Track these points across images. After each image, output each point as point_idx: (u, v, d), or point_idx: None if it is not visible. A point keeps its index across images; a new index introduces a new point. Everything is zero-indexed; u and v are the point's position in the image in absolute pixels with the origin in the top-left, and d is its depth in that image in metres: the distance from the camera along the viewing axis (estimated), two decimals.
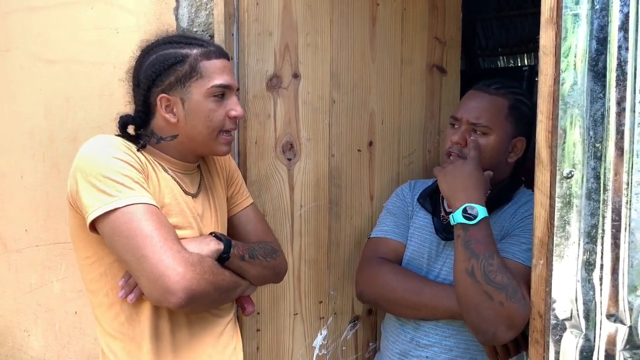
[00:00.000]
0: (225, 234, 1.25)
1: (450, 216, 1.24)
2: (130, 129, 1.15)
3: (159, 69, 1.09)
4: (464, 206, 1.20)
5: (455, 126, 1.36)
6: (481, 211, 1.20)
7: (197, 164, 1.23)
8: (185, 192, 1.16)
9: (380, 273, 1.36)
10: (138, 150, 1.09)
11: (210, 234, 1.15)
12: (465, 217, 1.20)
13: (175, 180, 1.15)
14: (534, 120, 1.35)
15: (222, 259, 1.11)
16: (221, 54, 1.14)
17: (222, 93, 1.12)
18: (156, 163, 1.13)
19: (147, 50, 1.14)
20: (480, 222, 1.19)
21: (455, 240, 1.22)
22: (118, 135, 1.13)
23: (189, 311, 1.11)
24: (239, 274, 1.16)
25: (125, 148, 1.06)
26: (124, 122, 1.14)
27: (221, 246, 1.11)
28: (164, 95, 1.10)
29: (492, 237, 1.20)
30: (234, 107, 1.14)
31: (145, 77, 1.11)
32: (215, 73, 1.10)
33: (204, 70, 1.09)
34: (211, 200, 1.23)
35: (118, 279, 1.09)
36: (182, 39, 1.16)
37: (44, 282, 1.73)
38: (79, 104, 1.59)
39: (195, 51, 1.10)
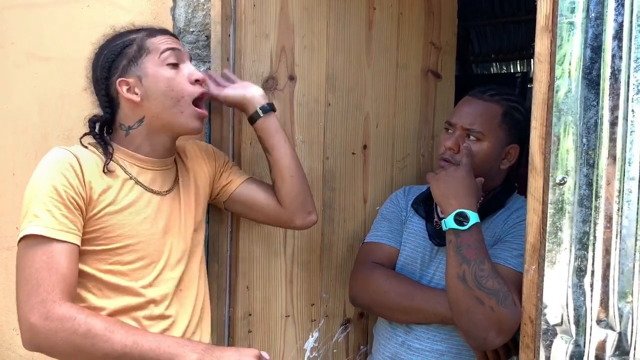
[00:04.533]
0: (190, 235, 1.23)
1: (442, 222, 1.25)
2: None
3: (112, 57, 1.13)
4: (455, 212, 1.21)
5: (450, 131, 1.37)
6: (473, 217, 1.21)
7: (172, 158, 1.22)
8: (152, 192, 1.16)
9: (374, 278, 1.37)
10: (107, 164, 1.10)
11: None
12: (456, 223, 1.20)
13: (139, 183, 1.14)
14: (528, 127, 1.37)
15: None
16: (165, 32, 1.18)
17: (175, 60, 1.13)
18: (119, 168, 1.13)
19: (100, 50, 1.18)
20: (471, 228, 1.20)
21: (447, 245, 1.22)
22: (85, 138, 1.15)
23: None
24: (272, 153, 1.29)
25: (70, 167, 1.05)
26: (93, 123, 1.15)
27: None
28: (122, 78, 1.12)
29: (484, 242, 1.21)
30: (192, 71, 1.15)
31: (101, 69, 1.14)
32: (161, 44, 1.14)
33: (151, 45, 1.13)
34: (182, 199, 1.22)
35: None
36: (127, 28, 1.20)
37: None
38: (73, 101, 1.58)
39: (140, 34, 1.15)
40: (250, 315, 1.48)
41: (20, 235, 1.01)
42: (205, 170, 1.31)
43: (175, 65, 1.13)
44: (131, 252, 1.11)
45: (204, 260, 1.29)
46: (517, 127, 1.36)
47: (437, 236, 1.37)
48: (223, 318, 1.45)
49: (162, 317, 1.15)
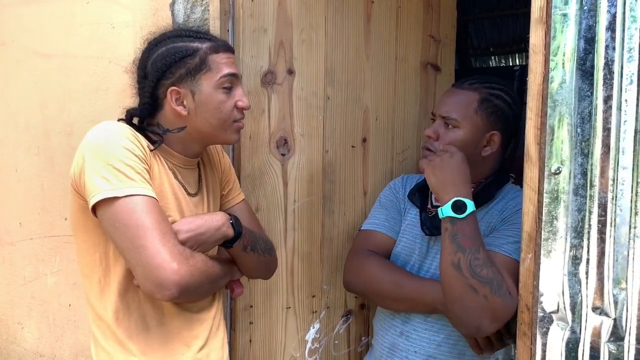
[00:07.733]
0: None
1: (439, 210, 1.25)
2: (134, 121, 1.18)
3: (170, 62, 1.11)
4: (453, 200, 1.22)
5: (432, 121, 1.41)
6: (470, 205, 1.22)
7: (197, 160, 1.24)
8: (187, 192, 1.18)
9: (367, 266, 1.39)
10: (152, 151, 1.11)
11: (230, 216, 1.17)
12: (454, 211, 1.22)
13: (177, 178, 1.17)
14: (513, 114, 1.38)
15: (225, 244, 1.15)
16: (227, 48, 1.19)
17: (230, 85, 1.15)
18: (160, 157, 1.15)
19: (156, 43, 1.16)
20: (468, 217, 1.21)
21: (443, 233, 1.24)
22: (121, 121, 1.15)
23: (181, 302, 1.14)
24: (237, 263, 1.21)
25: (132, 137, 1.08)
26: (131, 115, 1.16)
27: (231, 233, 1.15)
28: (174, 87, 1.12)
29: (479, 231, 1.23)
30: (240, 97, 1.17)
31: (155, 70, 1.13)
32: (223, 65, 1.14)
33: (213, 63, 1.13)
34: (207, 199, 1.25)
35: (111, 267, 1.11)
36: (191, 32, 1.18)
37: (38, 275, 1.74)
38: (74, 98, 1.60)
39: (205, 45, 1.14)
40: (251, 307, 1.50)
41: (122, 194, 1.01)
42: (217, 175, 1.33)
43: (229, 89, 1.15)
44: None
45: None
46: (496, 114, 1.37)
47: (429, 225, 1.39)
48: (225, 310, 1.47)
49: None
